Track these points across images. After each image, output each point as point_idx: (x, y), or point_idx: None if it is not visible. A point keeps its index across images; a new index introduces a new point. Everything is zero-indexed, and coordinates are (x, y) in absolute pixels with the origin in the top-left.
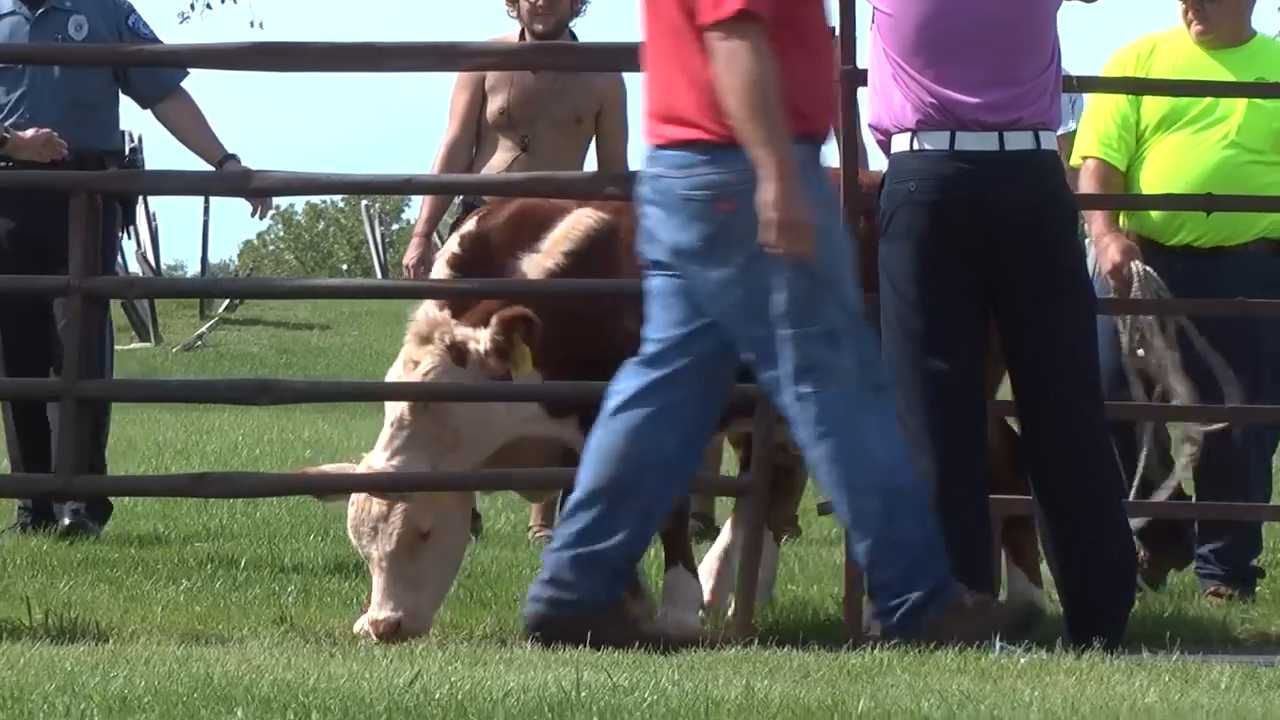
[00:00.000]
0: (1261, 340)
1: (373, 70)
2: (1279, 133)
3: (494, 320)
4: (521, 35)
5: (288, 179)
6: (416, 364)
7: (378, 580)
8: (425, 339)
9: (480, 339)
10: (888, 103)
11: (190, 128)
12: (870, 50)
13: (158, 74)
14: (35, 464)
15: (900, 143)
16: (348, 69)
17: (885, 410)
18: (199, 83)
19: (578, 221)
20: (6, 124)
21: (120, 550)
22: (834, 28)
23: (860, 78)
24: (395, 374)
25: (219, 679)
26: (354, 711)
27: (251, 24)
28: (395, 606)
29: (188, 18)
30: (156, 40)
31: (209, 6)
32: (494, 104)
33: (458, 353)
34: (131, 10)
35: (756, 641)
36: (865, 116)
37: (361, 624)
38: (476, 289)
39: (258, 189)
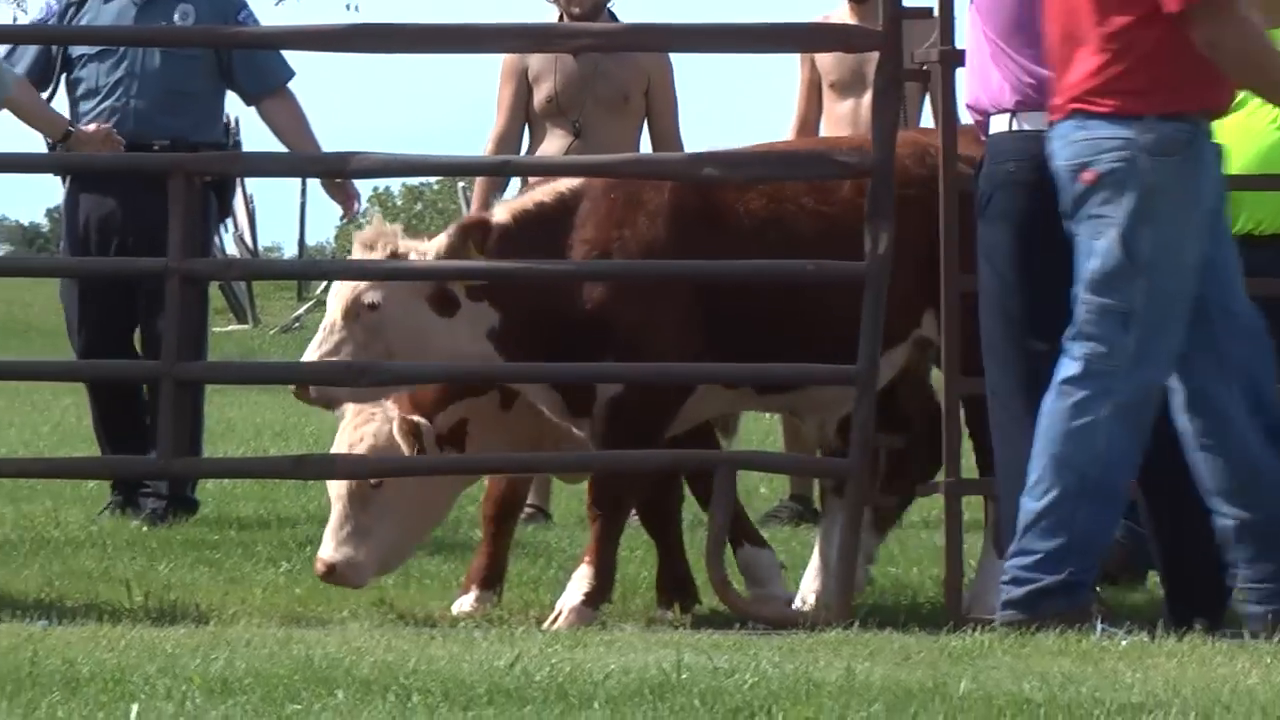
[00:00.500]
0: None
1: (469, 52)
2: None
3: (454, 226)
4: (560, 19)
5: (385, 160)
6: None
7: (330, 519)
8: (369, 247)
9: (426, 250)
10: (986, 83)
11: (290, 128)
12: (968, 30)
13: (262, 71)
14: (119, 447)
15: (999, 123)
16: (444, 50)
17: (1138, 410)
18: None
19: (547, 188)
20: (103, 106)
21: (220, 532)
22: (932, 8)
23: (958, 58)
24: (338, 283)
25: (319, 661)
26: (454, 694)
27: (347, 7)
28: (335, 550)
29: (282, 0)
30: None
31: None
32: (541, 93)
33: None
34: (244, 6)
35: (857, 624)
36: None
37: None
38: (567, 271)
39: (355, 170)
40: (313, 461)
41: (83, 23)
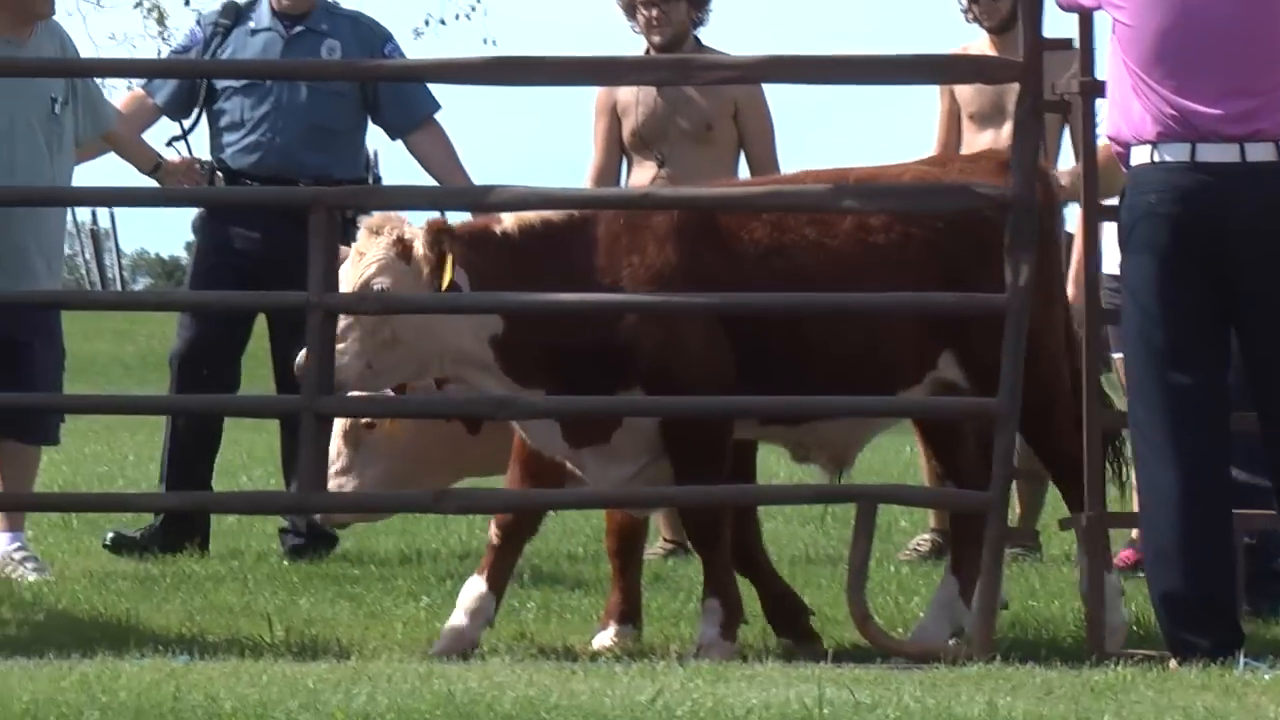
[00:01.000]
0: None
1: (607, 84)
2: None
3: (425, 227)
4: (647, 51)
5: (524, 194)
6: (362, 255)
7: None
8: (376, 232)
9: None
10: (1127, 114)
11: (440, 160)
12: (1109, 61)
13: (409, 104)
14: (187, 482)
15: (1140, 155)
16: (582, 83)
17: None
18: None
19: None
20: (247, 140)
21: (360, 567)
22: (1072, 39)
23: (1099, 89)
24: (345, 269)
25: (461, 696)
26: None
27: (484, 40)
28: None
29: (422, 34)
30: None
31: (443, 23)
32: (626, 126)
33: (403, 248)
34: (389, 39)
35: (998, 658)
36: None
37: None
38: (691, 305)
39: (495, 204)
40: (453, 496)
41: (226, 54)
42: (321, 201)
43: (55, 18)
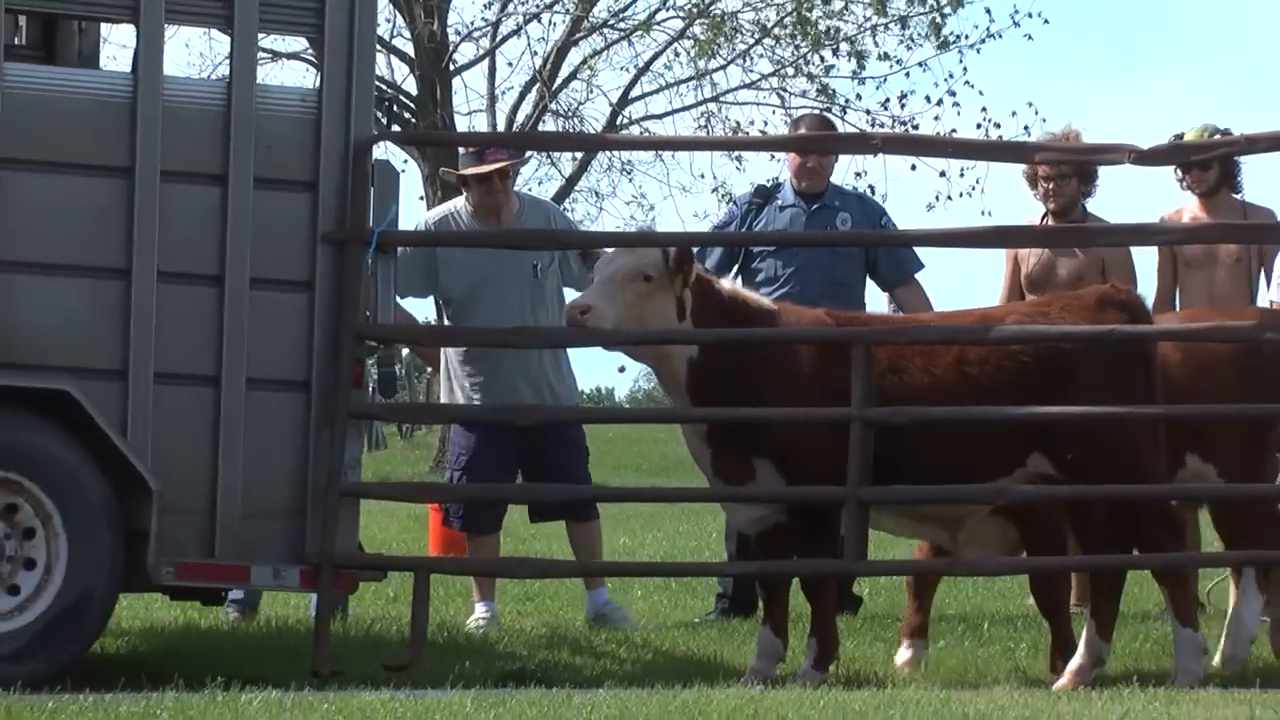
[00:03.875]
0: None
1: (1082, 245)
2: None
3: (675, 251)
4: (1044, 216)
5: (1019, 333)
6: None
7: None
8: (630, 252)
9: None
10: None
11: (920, 310)
12: None
13: (901, 264)
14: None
15: None
16: (1062, 244)
17: None
18: (944, 256)
19: (763, 299)
20: (780, 293)
21: (890, 617)
22: None
23: None
24: (603, 264)
25: (973, 715)
26: None
27: (982, 212)
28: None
29: (933, 207)
30: None
31: (949, 198)
32: (1022, 271)
33: (643, 274)
34: (885, 213)
35: None
36: None
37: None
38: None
39: (997, 339)
40: (964, 563)
41: (760, 226)
42: (860, 338)
43: (537, 195)
